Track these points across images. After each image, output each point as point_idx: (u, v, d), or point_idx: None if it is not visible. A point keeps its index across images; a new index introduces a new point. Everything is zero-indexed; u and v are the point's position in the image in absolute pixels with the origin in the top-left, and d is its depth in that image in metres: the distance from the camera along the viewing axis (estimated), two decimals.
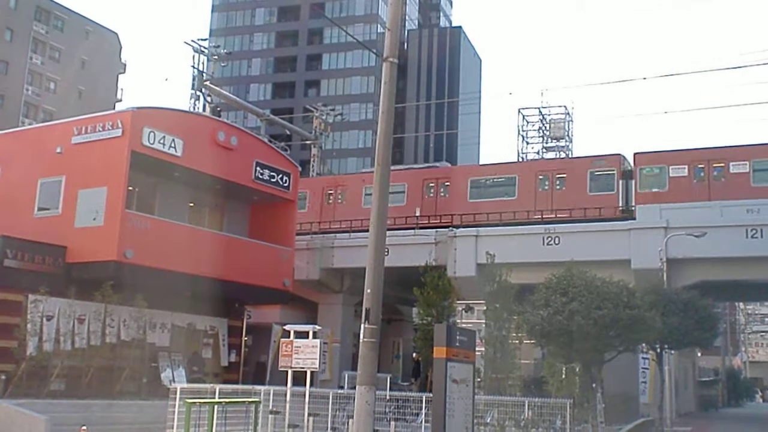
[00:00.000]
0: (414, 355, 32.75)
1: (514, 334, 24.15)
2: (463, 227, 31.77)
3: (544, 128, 61.33)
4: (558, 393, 20.93)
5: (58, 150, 24.11)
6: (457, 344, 12.20)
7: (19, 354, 20.89)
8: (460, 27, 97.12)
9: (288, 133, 54.21)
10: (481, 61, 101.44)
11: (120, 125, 23.17)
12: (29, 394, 20.07)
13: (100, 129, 23.55)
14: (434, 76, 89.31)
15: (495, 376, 23.47)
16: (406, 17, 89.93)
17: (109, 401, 20.90)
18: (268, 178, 28.35)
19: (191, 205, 27.90)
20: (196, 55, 39.90)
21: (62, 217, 23.66)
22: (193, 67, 39.75)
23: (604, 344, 19.70)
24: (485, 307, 26.13)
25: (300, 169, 32.09)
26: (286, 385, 16.37)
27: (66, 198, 23.76)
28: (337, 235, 34.12)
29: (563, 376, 22.54)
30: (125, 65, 79.15)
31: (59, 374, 21.68)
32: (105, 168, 23.27)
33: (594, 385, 20.59)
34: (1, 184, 25.45)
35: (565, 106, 61.84)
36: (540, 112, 61.15)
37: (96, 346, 22.81)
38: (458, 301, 29.62)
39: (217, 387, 18.77)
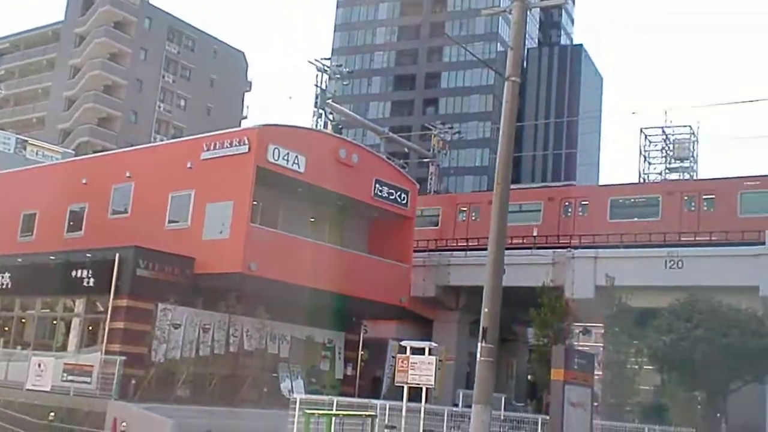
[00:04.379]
0: (529, 376, 32.16)
1: (634, 359, 23.50)
2: (582, 248, 31.02)
3: (667, 149, 59.21)
4: (680, 422, 20.08)
5: (189, 165, 25.32)
6: (576, 367, 12.04)
7: (149, 360, 22.04)
8: (581, 45, 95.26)
9: (406, 150, 54.79)
10: (602, 79, 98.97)
11: (247, 142, 24.15)
12: (157, 398, 21.07)
13: (228, 145, 24.63)
14: (553, 95, 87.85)
15: (613, 401, 22.81)
16: (527, 35, 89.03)
17: (231, 408, 21.68)
18: (387, 195, 28.74)
19: (312, 220, 28.65)
20: (319, 74, 41.18)
21: (191, 229, 24.81)
22: (316, 85, 41.02)
23: (731, 374, 18.81)
24: (603, 331, 25.39)
25: (418, 186, 32.36)
26: (401, 400, 16.49)
27: (195, 211, 24.89)
28: (454, 252, 34.07)
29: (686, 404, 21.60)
30: (251, 83, 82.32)
31: (185, 380, 22.71)
32: (232, 183, 24.28)
33: (719, 415, 19.65)
34: (134, 198, 26.92)
35: (690, 126, 59.41)
36: (663, 131, 59.05)
37: (220, 355, 23.80)
38: (575, 323, 28.94)
39: (335, 399, 19.13)
